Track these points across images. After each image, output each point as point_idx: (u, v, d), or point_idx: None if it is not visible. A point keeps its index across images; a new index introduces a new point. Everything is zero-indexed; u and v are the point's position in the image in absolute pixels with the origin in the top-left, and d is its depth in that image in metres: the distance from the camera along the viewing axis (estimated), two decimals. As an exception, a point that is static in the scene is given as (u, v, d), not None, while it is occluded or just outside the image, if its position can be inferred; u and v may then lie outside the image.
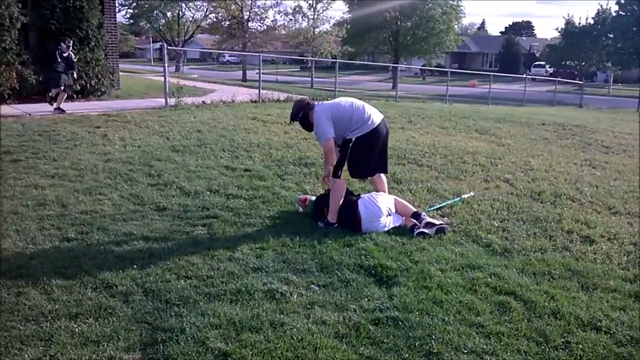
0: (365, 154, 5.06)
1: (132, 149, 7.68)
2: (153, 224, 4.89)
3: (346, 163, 5.07)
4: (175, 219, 5.07)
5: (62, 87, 11.17)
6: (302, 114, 5.17)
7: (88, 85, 13.13)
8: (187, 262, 4.10)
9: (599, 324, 3.50)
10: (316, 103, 5.25)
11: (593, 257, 4.68)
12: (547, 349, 3.19)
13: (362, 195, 5.23)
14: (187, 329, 3.17)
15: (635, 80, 50.10)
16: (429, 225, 4.96)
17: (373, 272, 4.11)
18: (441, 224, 5.06)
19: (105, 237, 4.55)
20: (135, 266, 3.99)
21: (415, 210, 5.18)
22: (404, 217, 5.16)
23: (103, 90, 13.74)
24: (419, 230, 4.90)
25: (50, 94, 11.30)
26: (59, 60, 11.17)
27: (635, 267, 4.52)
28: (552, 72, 50.88)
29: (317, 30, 40.25)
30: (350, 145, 5.02)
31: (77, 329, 3.14)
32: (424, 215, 5.10)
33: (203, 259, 4.17)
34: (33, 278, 3.73)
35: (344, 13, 39.19)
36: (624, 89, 40.82)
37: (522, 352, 3.15)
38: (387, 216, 5.05)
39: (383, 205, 5.04)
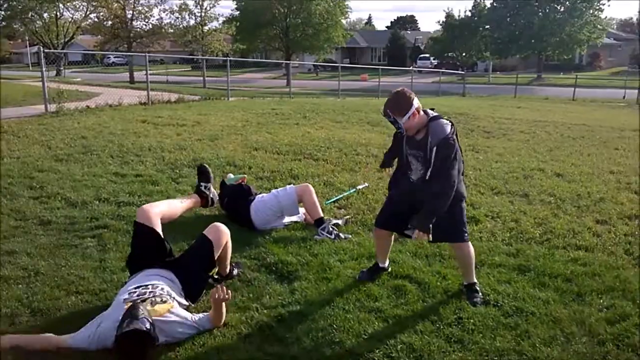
0: None
1: (11, 160, 7.12)
2: (37, 240, 4.57)
3: None
4: (62, 232, 4.77)
5: None
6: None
7: (-45, 94, 12.04)
8: (77, 276, 3.88)
9: (487, 297, 3.74)
10: None
11: (479, 236, 4.98)
12: (442, 327, 3.36)
13: (257, 197, 5.13)
14: (80, 346, 3.00)
15: (512, 68, 53.85)
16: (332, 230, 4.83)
17: (274, 268, 4.12)
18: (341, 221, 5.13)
19: (-17, 258, 4.20)
20: (20, 286, 3.73)
21: (321, 216, 4.95)
22: (305, 214, 5.12)
23: (-27, 99, 12.67)
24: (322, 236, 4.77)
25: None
26: None
27: (517, 242, 4.87)
28: (436, 63, 53.45)
29: (205, 28, 39.33)
30: None
31: (-47, 361, 2.88)
32: (327, 224, 4.88)
33: (94, 272, 3.97)
34: None
35: (232, 10, 38.44)
36: (502, 77, 43.71)
37: (419, 331, 3.29)
38: (281, 216, 5.04)
39: (277, 207, 4.97)
